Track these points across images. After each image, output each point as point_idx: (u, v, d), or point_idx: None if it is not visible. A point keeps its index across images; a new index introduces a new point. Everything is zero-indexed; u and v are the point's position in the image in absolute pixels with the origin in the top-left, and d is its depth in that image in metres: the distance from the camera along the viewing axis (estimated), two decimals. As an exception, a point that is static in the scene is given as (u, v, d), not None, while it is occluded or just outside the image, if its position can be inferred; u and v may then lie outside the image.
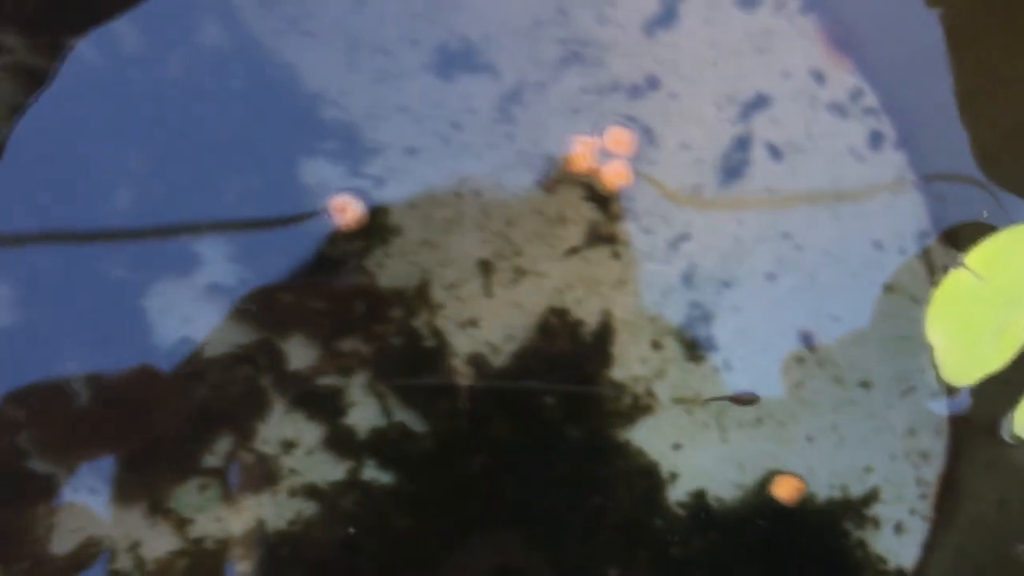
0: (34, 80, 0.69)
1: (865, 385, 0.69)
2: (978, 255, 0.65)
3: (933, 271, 0.69)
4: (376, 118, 0.68)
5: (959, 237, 0.69)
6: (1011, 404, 0.67)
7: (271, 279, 0.67)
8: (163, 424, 0.67)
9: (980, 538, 0.71)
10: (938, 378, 0.68)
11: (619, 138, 0.69)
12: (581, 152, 0.69)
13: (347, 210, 0.66)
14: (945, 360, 0.66)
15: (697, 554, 0.67)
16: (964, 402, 0.69)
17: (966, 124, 0.69)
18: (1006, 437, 0.67)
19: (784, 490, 0.68)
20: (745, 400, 0.67)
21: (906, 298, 0.69)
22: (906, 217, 0.69)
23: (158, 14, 0.70)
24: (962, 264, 0.65)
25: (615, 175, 0.69)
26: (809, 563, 0.68)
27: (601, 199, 0.70)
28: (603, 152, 0.69)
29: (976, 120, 0.69)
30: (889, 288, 0.69)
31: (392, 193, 0.68)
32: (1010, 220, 0.67)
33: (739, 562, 0.68)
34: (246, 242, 0.68)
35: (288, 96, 0.68)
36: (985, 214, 0.68)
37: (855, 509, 0.68)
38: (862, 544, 0.68)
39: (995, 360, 0.65)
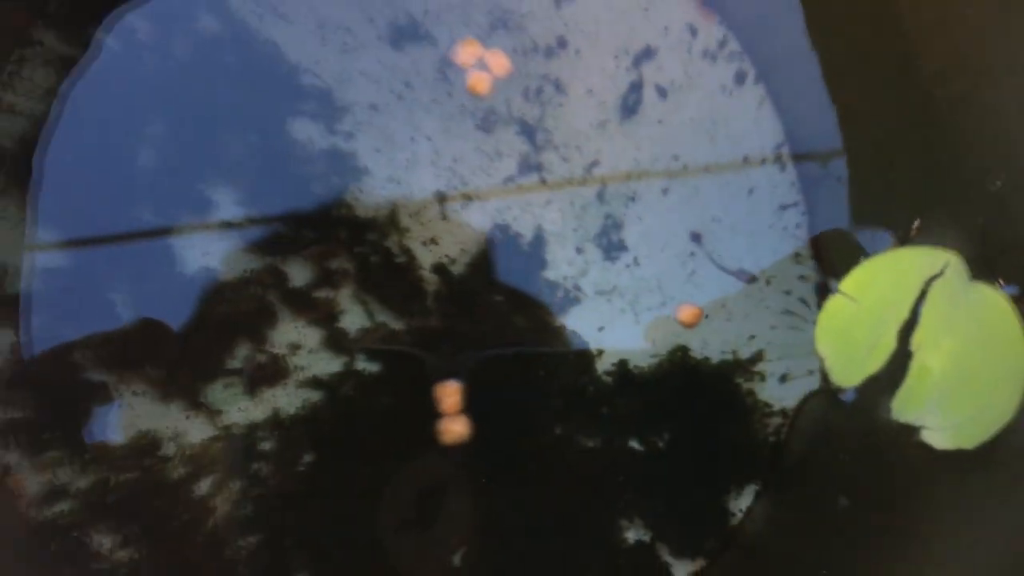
0: (65, 66, 0.72)
1: (743, 272, 0.71)
2: (852, 281, 0.67)
3: (785, 169, 0.72)
4: (344, 83, 0.71)
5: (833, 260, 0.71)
6: (890, 393, 0.68)
7: (271, 216, 0.70)
8: (192, 337, 0.69)
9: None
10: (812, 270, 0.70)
11: (498, 60, 0.69)
12: (467, 51, 0.69)
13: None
14: (833, 367, 0.69)
15: (622, 412, 0.72)
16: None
17: (811, 60, 0.70)
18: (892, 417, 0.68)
19: (686, 316, 0.70)
20: (744, 277, 0.69)
21: (767, 197, 0.72)
22: (766, 135, 0.72)
23: (163, 7, 0.73)
24: (839, 291, 0.67)
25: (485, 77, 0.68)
26: (710, 411, 0.72)
27: (530, 131, 0.70)
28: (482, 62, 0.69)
29: (821, 54, 0.69)
30: (753, 192, 0.72)
31: (361, 143, 0.71)
32: (876, 248, 0.68)
33: (655, 415, 0.72)
34: (250, 188, 0.70)
35: (273, 68, 0.71)
36: (915, 226, 0.67)
37: (743, 367, 0.72)
38: (751, 393, 0.72)
39: (872, 365, 0.67)
